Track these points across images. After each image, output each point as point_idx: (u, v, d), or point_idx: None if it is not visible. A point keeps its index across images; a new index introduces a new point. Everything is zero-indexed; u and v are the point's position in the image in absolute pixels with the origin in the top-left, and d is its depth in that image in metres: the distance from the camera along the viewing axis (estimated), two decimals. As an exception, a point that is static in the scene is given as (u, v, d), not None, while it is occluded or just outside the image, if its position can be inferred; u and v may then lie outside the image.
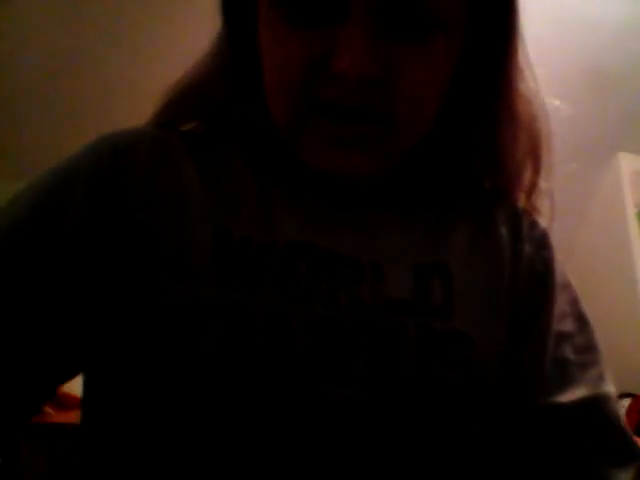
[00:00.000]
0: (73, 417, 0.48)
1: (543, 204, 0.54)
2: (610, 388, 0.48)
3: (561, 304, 0.50)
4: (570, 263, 0.54)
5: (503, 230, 0.50)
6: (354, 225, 0.47)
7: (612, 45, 1.81)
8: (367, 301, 0.43)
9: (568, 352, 0.48)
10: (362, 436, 0.41)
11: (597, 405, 0.47)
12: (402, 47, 0.40)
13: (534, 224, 0.52)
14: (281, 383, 0.40)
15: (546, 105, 0.51)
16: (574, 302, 0.51)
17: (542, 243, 0.51)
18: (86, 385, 0.47)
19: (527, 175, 0.53)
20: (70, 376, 0.48)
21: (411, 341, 0.42)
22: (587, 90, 1.72)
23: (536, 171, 0.52)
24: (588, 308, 0.52)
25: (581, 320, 0.51)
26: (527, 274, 0.49)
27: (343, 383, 0.41)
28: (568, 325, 0.49)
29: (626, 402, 1.84)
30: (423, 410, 0.42)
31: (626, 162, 1.90)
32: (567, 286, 0.52)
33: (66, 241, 0.44)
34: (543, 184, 0.53)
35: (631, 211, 1.85)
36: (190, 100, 0.51)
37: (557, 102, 0.53)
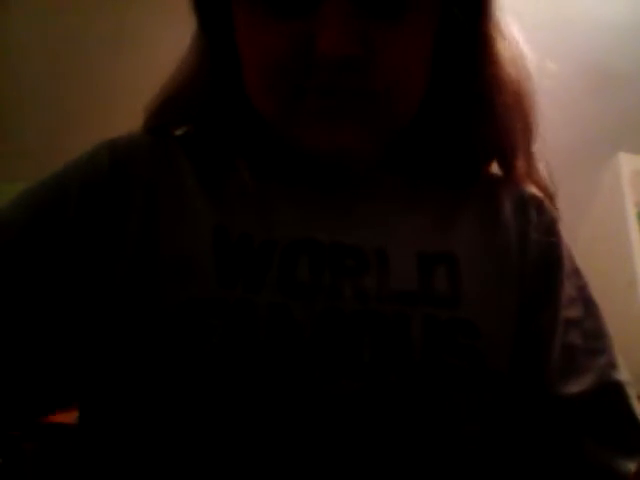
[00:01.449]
0: (73, 417, 0.48)
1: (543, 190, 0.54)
2: (621, 376, 0.48)
3: (569, 290, 0.50)
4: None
5: (510, 217, 0.50)
6: (355, 214, 0.47)
7: (612, 45, 1.81)
8: (372, 292, 0.43)
9: (576, 338, 0.48)
10: (370, 428, 0.41)
11: (604, 395, 0.46)
12: (378, 25, 0.42)
13: (542, 210, 0.52)
14: (287, 379, 0.40)
15: (531, 67, 0.52)
16: (583, 288, 0.51)
17: (550, 229, 0.51)
18: (84, 386, 0.47)
19: (521, 140, 0.53)
20: (71, 387, 0.47)
21: (418, 331, 0.42)
22: (587, 90, 1.72)
23: (526, 131, 0.52)
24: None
25: (590, 306, 0.50)
26: (535, 261, 0.49)
27: (349, 376, 0.41)
28: (576, 311, 0.49)
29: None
30: (431, 400, 0.42)
31: (626, 162, 1.90)
32: (576, 272, 0.51)
33: (66, 238, 0.44)
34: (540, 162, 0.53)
35: (631, 211, 1.84)
36: (177, 104, 0.51)
37: (550, 64, 0.54)
